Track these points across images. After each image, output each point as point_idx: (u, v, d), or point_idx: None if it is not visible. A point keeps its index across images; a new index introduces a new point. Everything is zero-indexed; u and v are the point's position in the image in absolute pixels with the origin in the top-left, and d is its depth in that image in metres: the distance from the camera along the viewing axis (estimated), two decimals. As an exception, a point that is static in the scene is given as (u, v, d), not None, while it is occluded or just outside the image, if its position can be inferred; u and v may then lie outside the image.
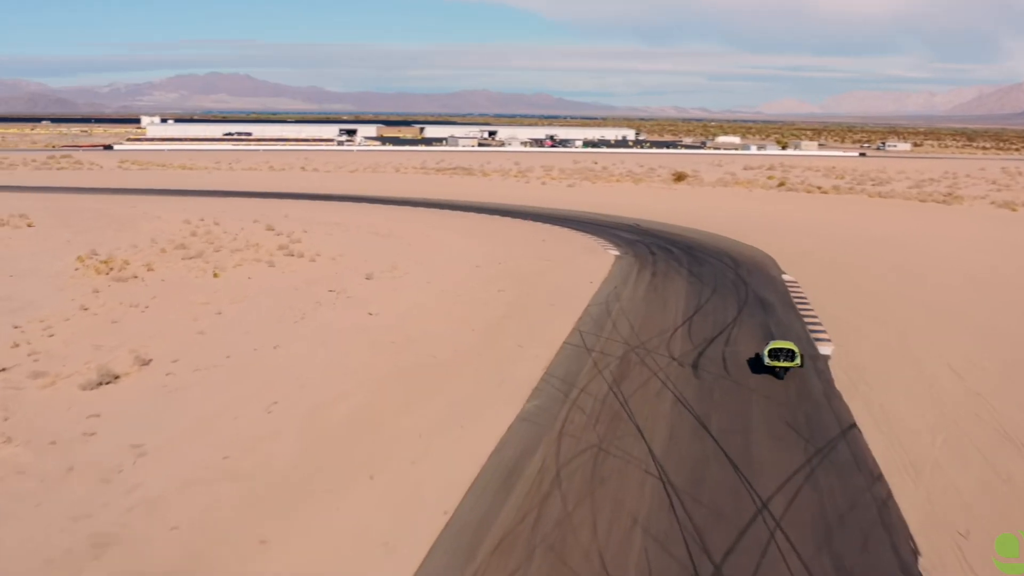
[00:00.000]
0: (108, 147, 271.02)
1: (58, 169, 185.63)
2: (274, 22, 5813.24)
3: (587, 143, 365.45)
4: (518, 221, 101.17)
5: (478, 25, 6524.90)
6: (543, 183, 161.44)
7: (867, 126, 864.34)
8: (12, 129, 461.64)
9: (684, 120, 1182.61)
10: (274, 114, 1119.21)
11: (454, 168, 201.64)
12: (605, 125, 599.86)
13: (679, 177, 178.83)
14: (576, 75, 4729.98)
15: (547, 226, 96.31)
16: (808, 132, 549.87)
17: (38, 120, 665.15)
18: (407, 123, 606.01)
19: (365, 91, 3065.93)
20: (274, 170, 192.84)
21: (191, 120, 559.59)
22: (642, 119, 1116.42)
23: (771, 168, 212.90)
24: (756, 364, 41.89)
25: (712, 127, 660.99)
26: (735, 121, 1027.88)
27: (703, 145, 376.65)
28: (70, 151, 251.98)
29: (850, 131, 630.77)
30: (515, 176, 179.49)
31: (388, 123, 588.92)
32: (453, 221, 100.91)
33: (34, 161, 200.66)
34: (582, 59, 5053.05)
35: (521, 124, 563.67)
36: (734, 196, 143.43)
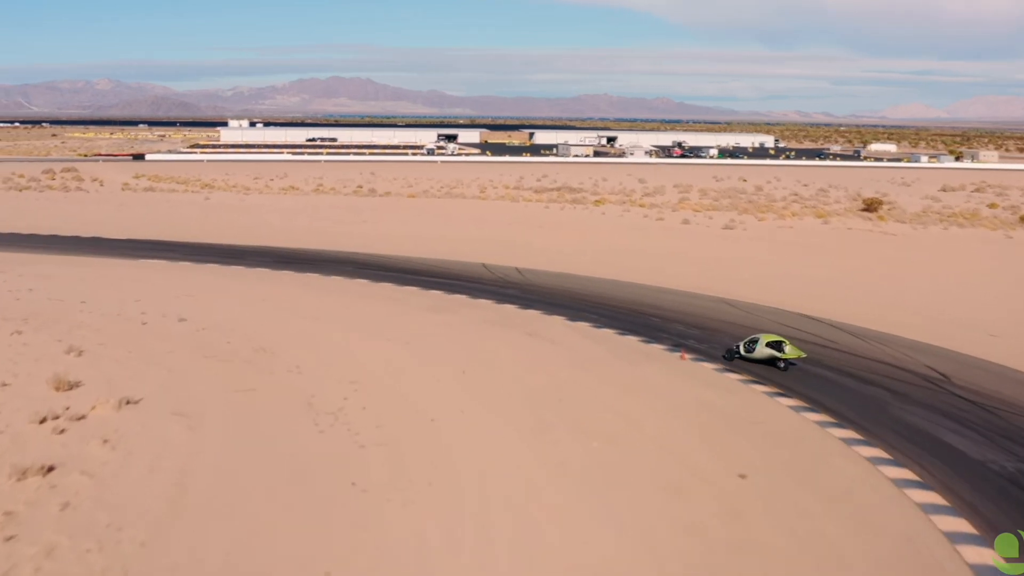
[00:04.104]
0: (139, 156, 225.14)
1: (36, 191, 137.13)
2: (395, 27, 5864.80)
3: (722, 152, 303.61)
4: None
5: (600, 29, 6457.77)
6: (685, 222, 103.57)
7: (1003, 131, 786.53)
8: (89, 132, 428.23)
9: (811, 125, 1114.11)
10: (390, 118, 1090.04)
11: (558, 188, 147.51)
12: (730, 130, 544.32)
13: (870, 205, 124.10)
14: (698, 79, 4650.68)
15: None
16: (984, 140, 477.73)
17: (158, 123, 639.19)
18: (517, 127, 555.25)
19: (486, 95, 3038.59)
20: (311, 191, 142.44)
21: (278, 124, 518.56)
22: (767, 124, 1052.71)
23: (978, 189, 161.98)
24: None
25: (843, 131, 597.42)
26: (859, 126, 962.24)
27: (857, 155, 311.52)
28: (94, 160, 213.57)
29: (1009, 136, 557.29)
30: (640, 204, 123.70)
31: (495, 127, 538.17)
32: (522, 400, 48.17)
33: (21, 177, 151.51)
34: (704, 63, 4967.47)
35: (642, 129, 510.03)
36: (988, 244, 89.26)
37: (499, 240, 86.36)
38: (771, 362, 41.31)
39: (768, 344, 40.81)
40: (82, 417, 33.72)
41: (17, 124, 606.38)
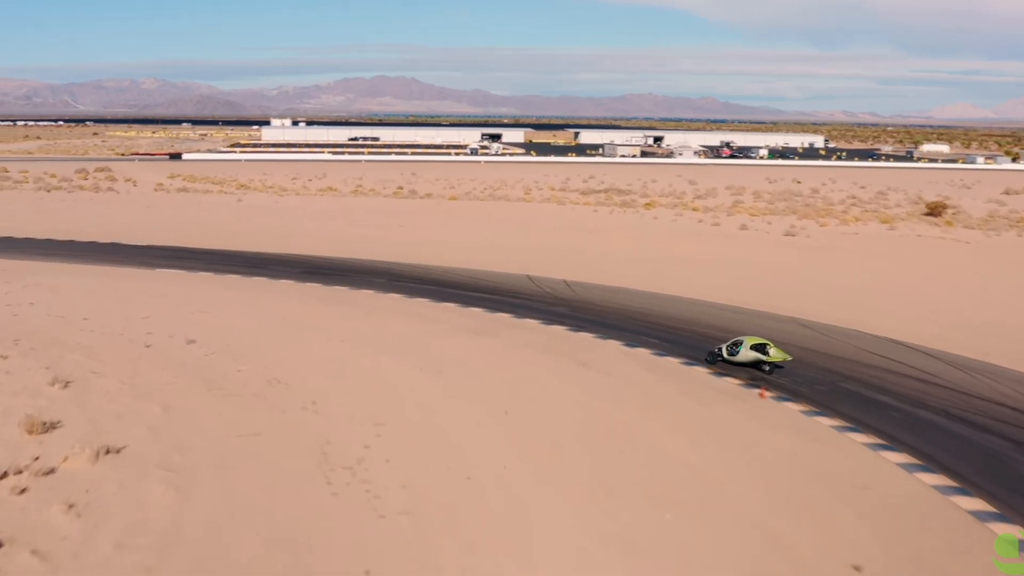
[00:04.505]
0: (175, 156, 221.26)
1: (66, 191, 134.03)
2: (441, 26, 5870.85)
3: (772, 152, 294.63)
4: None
5: (645, 28, 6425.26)
6: (743, 228, 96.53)
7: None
8: (131, 131, 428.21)
9: (858, 125, 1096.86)
10: (434, 117, 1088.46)
11: (605, 189, 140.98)
12: (777, 130, 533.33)
13: (934, 209, 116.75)
14: (743, 79, 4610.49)
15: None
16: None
17: (202, 122, 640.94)
18: (561, 127, 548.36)
19: (530, 94, 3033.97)
20: (349, 193, 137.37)
21: (322, 123, 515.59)
22: (814, 124, 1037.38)
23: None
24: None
25: (891, 131, 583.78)
26: (906, 126, 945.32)
27: (910, 156, 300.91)
28: (130, 159, 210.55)
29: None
30: (693, 207, 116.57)
31: (539, 127, 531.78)
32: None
33: (53, 177, 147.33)
34: (750, 63, 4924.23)
35: (688, 129, 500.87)
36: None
37: (545, 247, 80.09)
38: (755, 365, 40.29)
39: (753, 347, 39.81)
40: (51, 471, 28.29)
41: (61, 123, 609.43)
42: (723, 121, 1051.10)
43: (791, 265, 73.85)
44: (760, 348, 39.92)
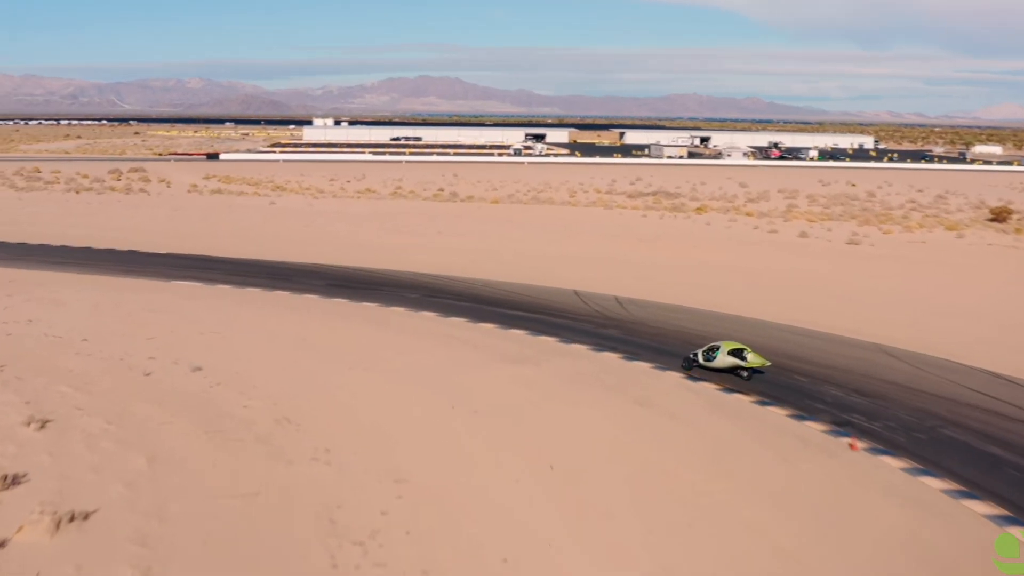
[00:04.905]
0: (213, 156, 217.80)
1: (95, 193, 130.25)
2: (485, 26, 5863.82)
3: (822, 153, 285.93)
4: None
5: (689, 28, 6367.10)
6: (803, 235, 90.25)
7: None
8: (173, 130, 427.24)
9: (905, 126, 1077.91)
10: (478, 117, 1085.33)
11: (653, 192, 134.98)
12: (823, 130, 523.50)
13: (999, 215, 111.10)
14: (788, 79, 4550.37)
15: None
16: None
17: (245, 121, 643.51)
18: (606, 127, 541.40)
19: (573, 94, 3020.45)
20: (387, 195, 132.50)
21: (365, 123, 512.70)
22: (860, 124, 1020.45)
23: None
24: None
25: (939, 132, 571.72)
26: (953, 127, 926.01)
27: (962, 157, 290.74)
28: (166, 160, 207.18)
29: None
30: (747, 213, 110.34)
31: (584, 127, 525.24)
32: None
33: (85, 177, 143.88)
34: (795, 63, 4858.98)
35: (733, 129, 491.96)
36: None
37: (593, 257, 74.40)
38: (732, 371, 39.19)
39: (730, 352, 38.81)
40: (1, 544, 22.77)
41: (104, 122, 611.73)
42: (768, 121, 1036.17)
43: (860, 279, 67.73)
44: (737, 353, 38.76)
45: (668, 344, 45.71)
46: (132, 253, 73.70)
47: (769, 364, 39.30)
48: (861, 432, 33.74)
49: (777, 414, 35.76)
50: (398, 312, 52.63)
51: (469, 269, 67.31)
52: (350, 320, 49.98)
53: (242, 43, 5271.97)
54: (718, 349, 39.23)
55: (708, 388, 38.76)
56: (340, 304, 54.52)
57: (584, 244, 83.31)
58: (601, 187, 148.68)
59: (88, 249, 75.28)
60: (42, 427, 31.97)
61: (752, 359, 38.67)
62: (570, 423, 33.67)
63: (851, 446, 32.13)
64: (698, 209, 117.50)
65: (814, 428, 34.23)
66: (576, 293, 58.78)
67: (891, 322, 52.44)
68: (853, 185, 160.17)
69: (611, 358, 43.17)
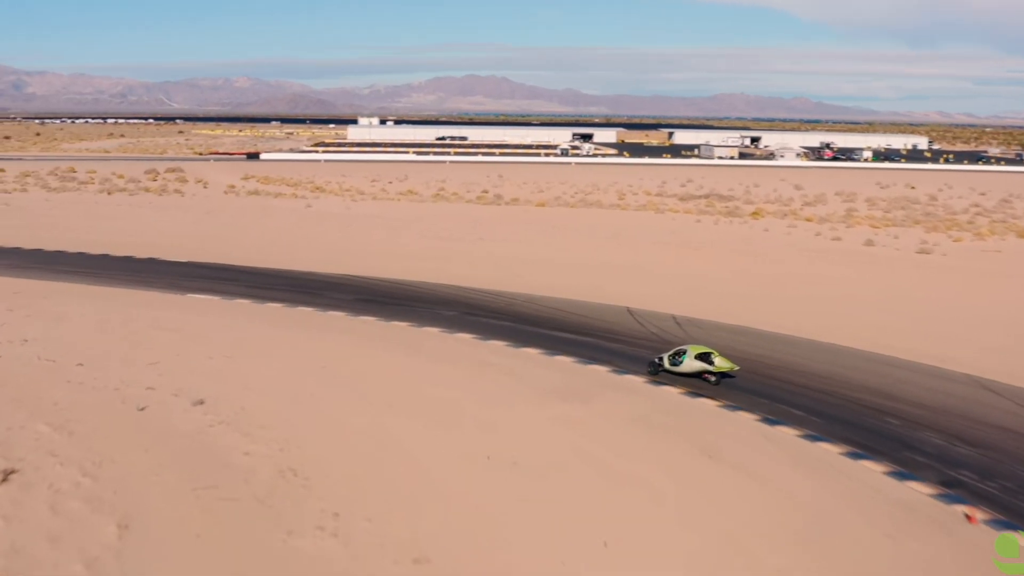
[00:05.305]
0: (253, 156, 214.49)
1: (128, 194, 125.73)
2: (532, 25, 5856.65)
3: (876, 154, 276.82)
4: None
5: (736, 27, 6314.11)
6: (869, 243, 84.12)
7: None
8: (217, 129, 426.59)
9: (955, 126, 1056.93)
10: (525, 116, 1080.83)
11: (705, 195, 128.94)
12: (873, 131, 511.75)
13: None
14: (836, 79, 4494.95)
15: None
16: None
17: (291, 120, 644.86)
18: (654, 127, 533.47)
19: (621, 94, 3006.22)
20: (430, 197, 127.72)
21: (411, 122, 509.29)
22: (909, 124, 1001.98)
23: None
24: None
25: (991, 132, 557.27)
26: (1004, 127, 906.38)
27: (1020, 159, 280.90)
28: (205, 159, 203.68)
29: None
30: (807, 218, 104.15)
31: (631, 126, 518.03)
32: None
33: (121, 178, 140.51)
34: (843, 62, 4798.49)
35: (782, 129, 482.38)
36: None
37: (645, 267, 68.78)
38: (699, 375, 38.13)
39: (697, 356, 37.74)
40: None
41: (151, 121, 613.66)
42: (816, 121, 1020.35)
43: (938, 294, 61.75)
44: (705, 357, 37.57)
45: (737, 376, 39.87)
46: (151, 261, 69.08)
47: (738, 368, 37.94)
48: (974, 495, 27.91)
49: (872, 471, 29.96)
50: (431, 334, 47.22)
51: (512, 281, 61.90)
52: (378, 343, 44.66)
53: (290, 42, 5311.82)
54: (685, 353, 38.04)
55: (787, 435, 33.02)
56: (368, 324, 49.24)
57: (635, 252, 77.59)
58: (651, 189, 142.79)
59: (105, 257, 70.78)
60: (4, 479, 27.10)
61: (720, 363, 37.33)
62: (626, 482, 28.17)
63: (968, 518, 26.33)
64: (754, 213, 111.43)
65: (919, 491, 28.43)
66: (629, 311, 53.13)
67: (983, 348, 46.41)
68: (912, 188, 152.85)
69: (672, 394, 37.53)
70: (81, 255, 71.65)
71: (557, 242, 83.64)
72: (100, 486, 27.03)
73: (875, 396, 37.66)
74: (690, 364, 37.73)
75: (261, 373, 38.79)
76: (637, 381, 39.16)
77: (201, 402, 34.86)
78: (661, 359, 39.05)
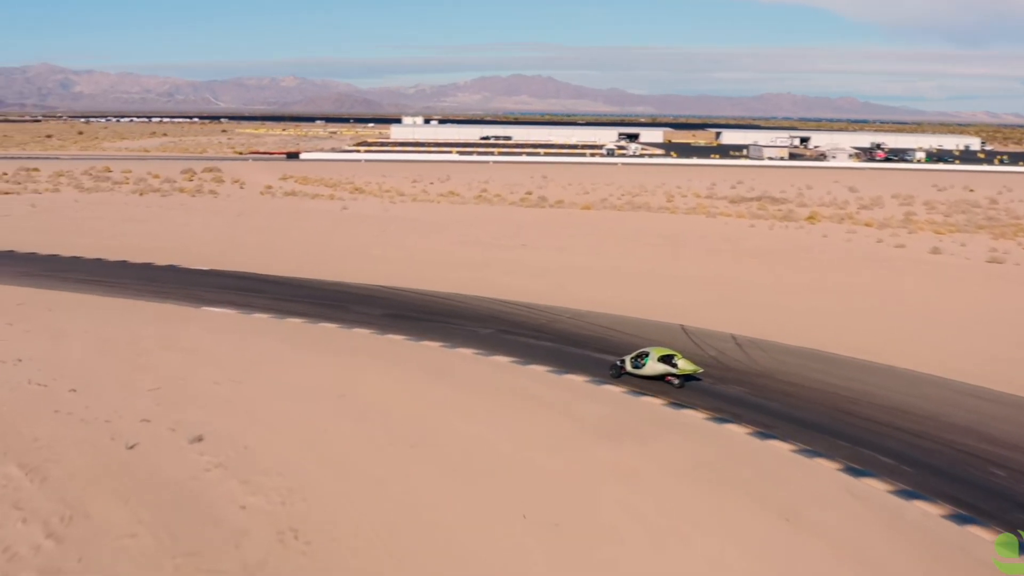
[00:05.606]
0: (293, 155, 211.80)
1: (161, 195, 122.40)
2: (578, 25, 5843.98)
3: (929, 155, 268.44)
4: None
5: (783, 27, 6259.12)
6: (935, 251, 78.46)
7: None
8: (261, 128, 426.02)
9: (1004, 126, 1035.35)
10: (570, 116, 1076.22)
11: (757, 197, 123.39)
12: (921, 131, 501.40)
13: None
14: (883, 78, 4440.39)
15: None
16: None
17: (336, 120, 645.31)
18: (700, 127, 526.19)
19: (666, 93, 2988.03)
20: (471, 198, 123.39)
21: (456, 122, 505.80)
22: (958, 124, 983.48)
23: None
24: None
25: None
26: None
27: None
28: (244, 159, 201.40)
29: None
30: (866, 223, 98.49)
31: (677, 126, 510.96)
32: None
33: (156, 178, 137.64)
34: (889, 62, 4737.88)
35: (830, 129, 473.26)
36: None
37: (699, 278, 63.83)
38: (662, 378, 37.23)
39: (660, 359, 36.98)
40: None
41: (196, 120, 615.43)
42: (863, 121, 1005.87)
43: (1019, 309, 55.77)
44: (668, 360, 36.89)
45: (810, 412, 34.93)
46: (170, 269, 65.04)
47: (702, 371, 37.26)
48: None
49: (983, 539, 24.91)
50: (465, 356, 42.48)
51: (554, 293, 57.07)
52: (404, 367, 39.99)
53: (336, 42, 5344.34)
54: (647, 355, 37.33)
55: (875, 489, 27.96)
56: (395, 343, 44.59)
57: (687, 260, 72.54)
58: (700, 191, 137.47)
59: (123, 264, 66.83)
60: (-56, 547, 22.77)
61: (683, 366, 36.55)
62: (687, 552, 23.32)
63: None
64: (809, 218, 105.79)
65: (1050, 567, 23.14)
66: (684, 329, 48.07)
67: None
68: (971, 191, 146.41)
69: (738, 435, 32.48)
70: (98, 262, 67.81)
71: (603, 248, 78.74)
72: (63, 552, 22.75)
73: (973, 439, 32.43)
74: (653, 367, 37.00)
75: (271, 403, 34.34)
76: (697, 418, 34.16)
77: (199, 439, 30.52)
78: (623, 361, 38.17)
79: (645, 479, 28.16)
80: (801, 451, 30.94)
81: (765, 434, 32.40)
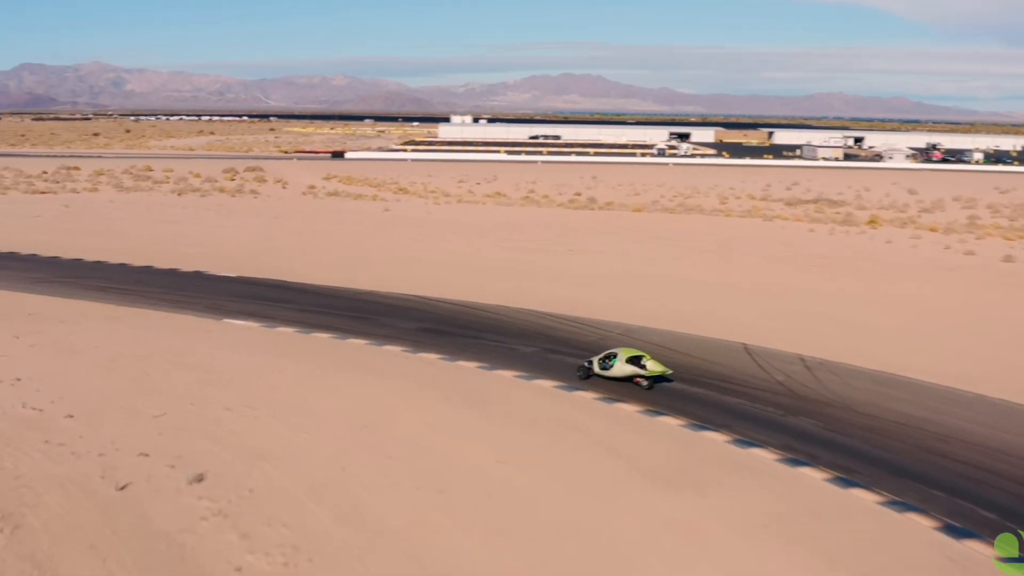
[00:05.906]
0: (338, 155, 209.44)
1: (200, 195, 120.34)
2: (628, 24, 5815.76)
3: (987, 156, 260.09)
4: None
5: (834, 26, 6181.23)
6: (1008, 259, 74.37)
7: None
8: (309, 127, 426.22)
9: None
10: (620, 115, 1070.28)
11: (814, 200, 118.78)
12: (975, 131, 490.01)
13: None
14: (935, 78, 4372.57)
15: None
16: None
17: (385, 118, 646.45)
18: (751, 126, 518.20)
19: (716, 93, 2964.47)
20: (518, 200, 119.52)
21: (505, 121, 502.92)
22: (1012, 124, 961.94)
23: None
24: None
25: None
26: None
27: None
28: (288, 158, 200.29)
29: None
30: (930, 228, 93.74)
31: (727, 126, 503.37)
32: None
33: (197, 177, 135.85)
34: (941, 61, 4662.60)
35: (883, 129, 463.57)
36: None
37: (760, 289, 59.33)
38: (630, 380, 36.49)
39: (628, 360, 36.27)
40: None
41: (244, 118, 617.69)
42: (915, 121, 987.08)
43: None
44: (636, 361, 36.19)
45: (895, 451, 30.53)
46: (196, 276, 61.66)
47: (671, 372, 36.59)
48: None
49: None
50: (505, 379, 38.42)
51: (604, 306, 52.95)
52: (436, 393, 36.00)
53: (386, 40, 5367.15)
54: (615, 356, 36.69)
55: (979, 553, 23.50)
56: (428, 363, 40.66)
57: (746, 268, 68.00)
58: (755, 192, 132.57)
59: (148, 269, 63.62)
60: None
61: (652, 367, 35.95)
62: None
63: None
64: (870, 222, 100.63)
65: None
66: (746, 349, 43.62)
67: None
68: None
69: (814, 481, 28.12)
70: (122, 267, 64.71)
71: (655, 254, 74.41)
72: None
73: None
74: (621, 368, 36.37)
75: (285, 435, 30.56)
76: (767, 459, 29.84)
77: (200, 478, 26.87)
78: (591, 363, 37.43)
79: (708, 536, 24.07)
80: (889, 503, 26.57)
81: (845, 481, 28.03)
